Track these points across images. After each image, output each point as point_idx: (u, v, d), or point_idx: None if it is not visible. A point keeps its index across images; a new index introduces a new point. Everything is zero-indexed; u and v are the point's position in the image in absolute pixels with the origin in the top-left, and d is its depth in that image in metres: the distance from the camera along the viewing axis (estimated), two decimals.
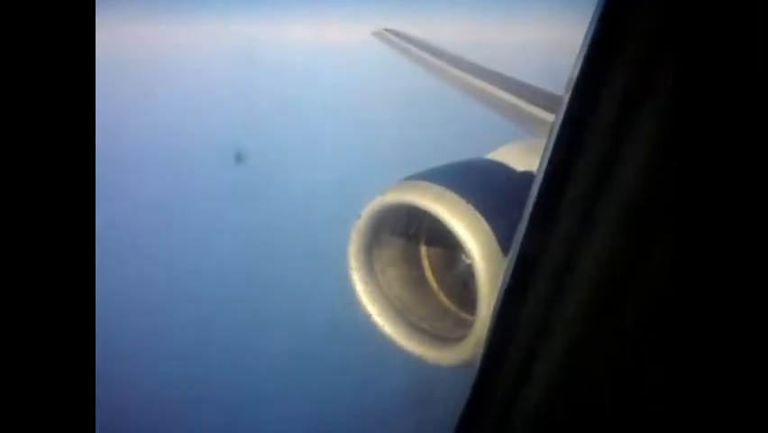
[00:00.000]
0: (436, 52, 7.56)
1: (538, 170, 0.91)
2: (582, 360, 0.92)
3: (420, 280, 2.36)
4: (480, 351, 1.06)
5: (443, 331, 2.22)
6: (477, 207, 1.99)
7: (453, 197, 2.01)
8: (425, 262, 2.37)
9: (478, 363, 1.05)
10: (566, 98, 0.85)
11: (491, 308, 1.95)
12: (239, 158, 13.04)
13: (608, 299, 0.87)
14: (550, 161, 0.88)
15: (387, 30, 10.17)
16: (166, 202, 11.30)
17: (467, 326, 2.08)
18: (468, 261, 2.00)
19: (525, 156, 2.46)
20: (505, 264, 1.99)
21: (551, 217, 0.88)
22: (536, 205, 0.90)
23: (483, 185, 2.18)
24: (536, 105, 4.83)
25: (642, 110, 0.78)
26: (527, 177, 2.28)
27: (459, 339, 2.09)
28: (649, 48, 0.77)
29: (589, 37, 0.81)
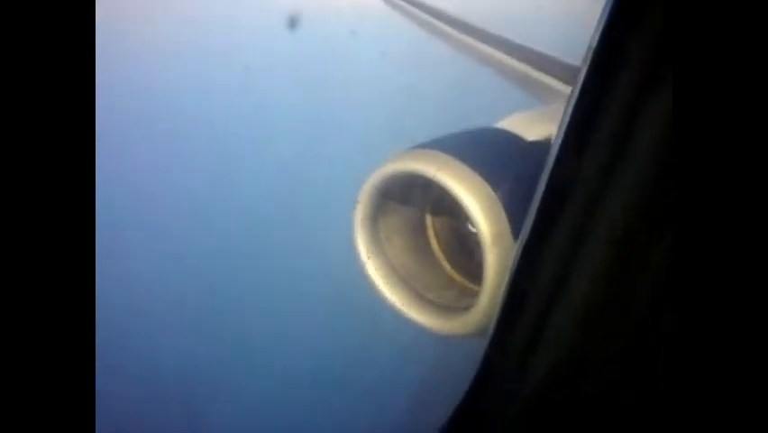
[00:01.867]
0: (444, 17, 7.44)
1: (553, 142, 0.91)
2: (593, 330, 0.92)
3: (425, 250, 2.35)
4: (492, 319, 1.06)
5: (449, 301, 2.23)
6: (483, 176, 1.97)
7: (460, 165, 1.99)
8: (431, 232, 2.37)
9: (490, 331, 1.05)
10: (584, 67, 0.84)
11: (497, 278, 1.96)
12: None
13: (621, 270, 0.87)
14: (566, 134, 0.87)
15: None
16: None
17: (472, 295, 2.08)
18: (473, 229, 1.99)
19: (534, 125, 2.43)
20: (509, 229, 1.98)
21: (567, 188, 0.88)
22: (552, 176, 0.90)
23: (490, 154, 2.15)
24: (545, 71, 4.76)
25: (660, 81, 0.77)
26: (536, 146, 2.26)
27: (464, 309, 2.09)
28: (668, 19, 0.76)
29: (609, 7, 0.79)
